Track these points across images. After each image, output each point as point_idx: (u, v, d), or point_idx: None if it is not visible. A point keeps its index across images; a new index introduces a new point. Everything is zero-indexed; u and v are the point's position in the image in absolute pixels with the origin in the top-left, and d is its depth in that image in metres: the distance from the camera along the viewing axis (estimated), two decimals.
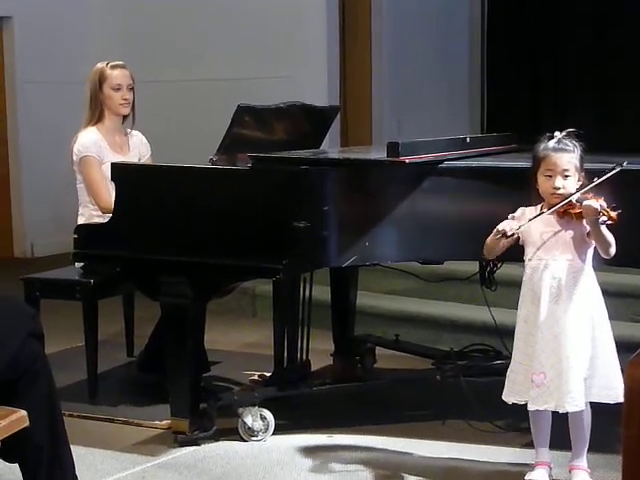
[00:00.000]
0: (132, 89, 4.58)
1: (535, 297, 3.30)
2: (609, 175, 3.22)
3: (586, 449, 3.36)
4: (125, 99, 4.55)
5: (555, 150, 3.27)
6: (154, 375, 4.41)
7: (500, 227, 3.27)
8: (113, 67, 4.57)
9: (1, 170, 8.09)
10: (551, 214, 3.27)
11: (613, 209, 3.13)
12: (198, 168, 3.82)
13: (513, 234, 3.27)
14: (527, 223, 3.28)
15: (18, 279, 4.54)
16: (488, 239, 3.34)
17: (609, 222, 3.14)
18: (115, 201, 3.90)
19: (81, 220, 4.51)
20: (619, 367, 3.25)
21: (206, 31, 7.91)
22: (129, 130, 4.68)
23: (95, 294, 4.39)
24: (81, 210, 4.56)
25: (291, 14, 7.57)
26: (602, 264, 3.34)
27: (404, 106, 8.03)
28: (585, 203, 3.16)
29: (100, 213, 4.41)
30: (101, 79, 4.53)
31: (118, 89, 4.54)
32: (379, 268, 4.18)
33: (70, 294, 4.43)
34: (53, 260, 5.58)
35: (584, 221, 3.24)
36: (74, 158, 4.51)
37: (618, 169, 3.23)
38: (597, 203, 3.14)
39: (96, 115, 4.54)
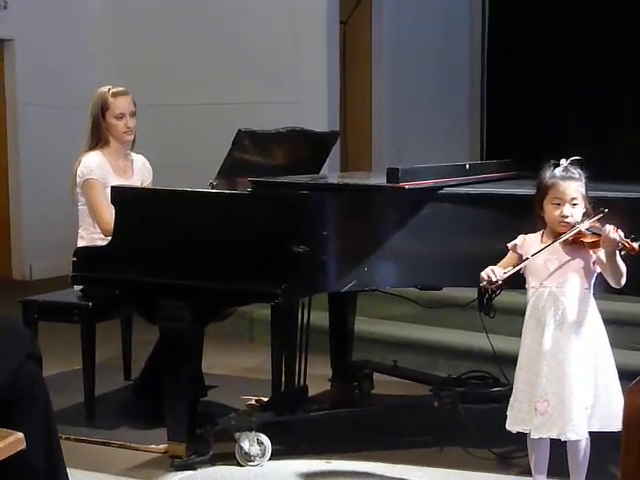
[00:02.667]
0: (134, 115, 4.59)
1: (539, 324, 3.29)
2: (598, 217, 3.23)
3: (584, 477, 3.35)
4: (128, 127, 4.55)
5: (563, 178, 3.28)
6: (149, 400, 4.40)
7: (484, 275, 3.27)
8: (115, 95, 4.56)
9: (0, 192, 8.10)
10: (561, 243, 3.26)
11: (633, 240, 3.13)
12: (198, 192, 3.83)
13: (497, 281, 3.27)
14: (511, 271, 3.27)
15: (16, 301, 4.53)
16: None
17: (632, 254, 3.14)
18: (115, 224, 3.91)
19: (81, 242, 4.51)
20: (622, 395, 3.24)
21: (207, 55, 7.94)
22: (131, 154, 4.69)
23: (93, 317, 4.39)
24: (81, 232, 4.56)
25: (292, 40, 7.61)
26: (602, 292, 3.34)
27: (404, 133, 8.06)
28: (606, 233, 3.16)
29: (99, 235, 4.41)
30: (104, 107, 4.53)
31: (121, 117, 4.54)
32: (378, 293, 4.18)
33: (68, 317, 4.42)
34: (51, 283, 5.59)
35: (591, 250, 3.25)
36: (77, 180, 4.51)
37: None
38: (617, 234, 3.14)
39: (98, 140, 4.55)
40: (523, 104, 8.32)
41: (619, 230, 3.16)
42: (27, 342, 2.99)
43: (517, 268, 3.29)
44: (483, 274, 3.27)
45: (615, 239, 3.14)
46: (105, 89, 4.59)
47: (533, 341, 3.31)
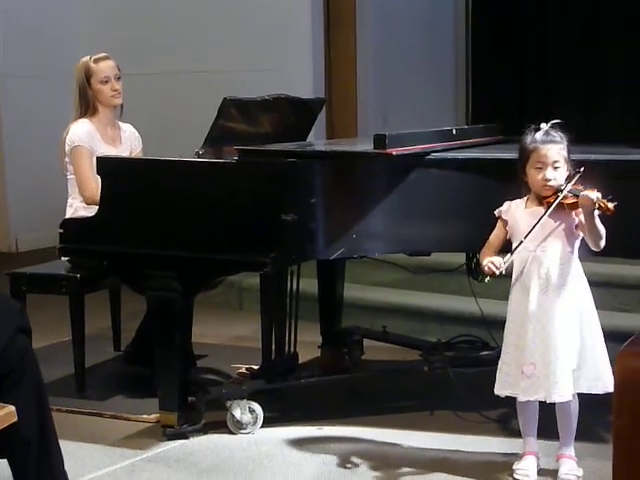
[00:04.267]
0: (119, 78, 4.58)
1: (524, 289, 3.30)
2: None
3: (573, 438, 3.38)
4: (115, 90, 4.55)
5: (544, 142, 3.28)
6: (141, 367, 4.42)
7: (486, 270, 3.26)
8: (97, 60, 4.56)
9: None
10: (548, 210, 3.26)
11: (609, 201, 3.14)
12: (184, 161, 3.82)
13: (501, 271, 3.27)
14: (511, 258, 3.27)
15: (3, 274, 4.52)
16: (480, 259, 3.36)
17: (607, 214, 3.15)
18: (101, 195, 3.90)
19: (69, 211, 4.50)
20: (607, 357, 3.26)
21: (192, 23, 7.88)
22: (120, 123, 4.68)
23: (82, 288, 4.38)
24: (70, 201, 4.55)
25: (276, 6, 7.55)
26: (588, 254, 3.35)
27: (389, 99, 8.02)
28: (582, 194, 3.17)
29: (88, 205, 4.40)
30: (88, 74, 4.53)
31: (106, 82, 4.53)
32: (366, 260, 4.18)
33: (56, 289, 4.42)
34: (38, 255, 5.57)
35: (574, 212, 3.26)
36: (66, 149, 4.50)
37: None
38: (594, 194, 3.15)
39: (87, 109, 4.54)
40: (509, 68, 8.29)
41: (596, 191, 3.17)
42: (16, 315, 2.98)
43: (514, 255, 3.28)
44: (485, 268, 3.27)
45: (592, 199, 3.14)
46: (87, 58, 4.59)
47: (519, 305, 3.33)
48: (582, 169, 3.23)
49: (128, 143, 4.68)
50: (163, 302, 3.75)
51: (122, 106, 4.65)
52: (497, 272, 3.25)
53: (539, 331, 3.26)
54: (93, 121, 4.55)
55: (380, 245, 3.77)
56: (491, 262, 3.28)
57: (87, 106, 4.54)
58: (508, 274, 3.33)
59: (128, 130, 4.71)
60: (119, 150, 4.59)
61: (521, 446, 3.45)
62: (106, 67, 4.55)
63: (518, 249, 3.28)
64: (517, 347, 3.31)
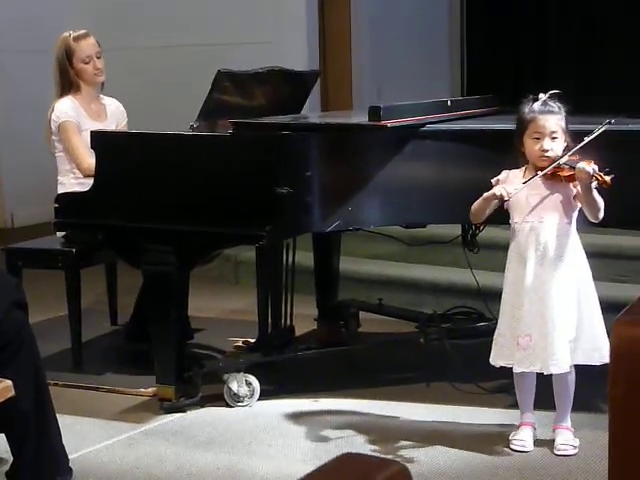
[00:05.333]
0: (100, 56, 4.53)
1: (521, 260, 3.30)
2: (596, 134, 3.22)
3: (570, 410, 3.39)
4: (98, 69, 4.51)
5: (542, 112, 3.27)
6: (142, 343, 4.41)
7: (497, 192, 3.25)
8: (77, 39, 4.48)
9: None
10: (542, 178, 3.26)
11: (607, 173, 3.13)
12: (179, 135, 3.80)
13: (510, 198, 3.26)
14: (522, 187, 3.26)
15: None
16: (475, 204, 3.34)
17: (604, 186, 3.14)
18: (96, 169, 3.89)
19: (61, 189, 4.47)
20: (604, 328, 3.27)
21: None
22: (103, 97, 4.65)
23: (77, 263, 4.38)
24: (61, 179, 4.53)
25: None
26: (586, 226, 3.35)
27: (384, 70, 7.99)
28: (578, 166, 3.16)
29: (80, 181, 4.39)
30: (69, 53, 4.47)
31: (88, 61, 4.49)
32: (362, 233, 4.18)
33: (52, 263, 4.42)
34: (34, 230, 5.56)
35: (571, 184, 3.25)
36: (52, 126, 4.48)
37: (604, 128, 3.23)
38: (590, 167, 3.13)
39: (70, 87, 4.50)
40: (504, 39, 8.25)
41: (593, 163, 3.15)
42: (12, 290, 2.99)
43: (527, 184, 3.25)
44: (496, 191, 3.25)
45: (589, 172, 3.13)
46: (66, 34, 4.52)
47: (516, 276, 3.33)
48: (584, 142, 3.21)
49: (114, 117, 4.65)
50: (159, 276, 3.75)
51: (103, 82, 4.61)
52: (506, 197, 3.23)
53: (536, 302, 3.26)
54: (77, 97, 4.51)
55: (375, 217, 3.77)
56: (503, 187, 3.25)
57: (70, 83, 4.50)
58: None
59: (113, 104, 4.68)
60: (105, 124, 4.56)
61: (517, 417, 3.47)
62: (87, 46, 4.49)
63: (519, 190, 3.26)
64: (513, 318, 3.31)
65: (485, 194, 3.30)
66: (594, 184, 3.15)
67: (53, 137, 4.50)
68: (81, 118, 4.47)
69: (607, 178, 3.12)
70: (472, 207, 3.36)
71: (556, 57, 7.93)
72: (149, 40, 7.83)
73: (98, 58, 4.52)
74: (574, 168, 3.19)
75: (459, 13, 8.54)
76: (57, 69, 4.53)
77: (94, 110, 4.58)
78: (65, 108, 4.45)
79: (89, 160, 4.22)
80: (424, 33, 8.35)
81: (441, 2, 8.56)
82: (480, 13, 8.35)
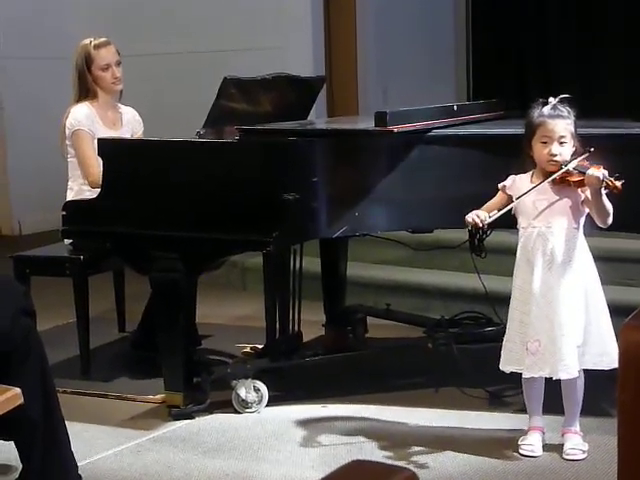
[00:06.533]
0: (120, 64, 4.56)
1: (529, 265, 3.30)
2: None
3: (578, 414, 3.39)
4: (116, 77, 4.53)
5: (551, 117, 3.26)
6: (149, 352, 4.41)
7: (469, 219, 3.25)
8: (98, 46, 4.52)
9: None
10: (550, 183, 3.25)
11: (617, 178, 3.12)
12: (185, 142, 3.81)
13: (484, 226, 3.25)
14: (497, 214, 3.25)
15: (7, 257, 4.52)
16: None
17: (614, 192, 3.13)
18: (103, 177, 3.89)
19: (70, 194, 4.49)
20: (613, 333, 3.26)
21: (192, 3, 7.85)
22: (120, 106, 4.67)
23: (85, 270, 4.39)
24: (70, 184, 4.55)
25: None
26: (593, 230, 3.34)
27: (390, 74, 8.00)
28: (589, 172, 3.15)
29: (88, 187, 4.40)
30: (88, 60, 4.50)
31: (107, 69, 4.51)
32: (369, 238, 4.18)
33: (60, 271, 4.43)
34: (41, 237, 5.58)
35: (580, 189, 3.24)
36: (66, 132, 4.49)
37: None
38: (600, 172, 3.12)
39: (87, 93, 4.52)
40: (509, 42, 8.26)
41: (603, 168, 3.15)
42: (20, 297, 2.99)
43: (502, 211, 3.27)
44: (468, 218, 3.26)
45: (598, 177, 3.13)
46: (87, 41, 4.55)
47: (524, 281, 3.32)
48: (592, 149, 3.21)
49: (129, 126, 4.67)
50: (166, 283, 3.75)
51: (121, 90, 4.63)
52: (480, 225, 3.23)
53: (544, 307, 3.26)
54: (93, 105, 4.53)
55: (382, 223, 3.77)
56: (476, 214, 3.25)
57: (87, 90, 4.53)
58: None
59: (129, 113, 4.70)
60: (120, 133, 4.58)
61: (526, 422, 3.46)
62: (107, 54, 4.52)
63: (510, 208, 3.26)
64: (521, 323, 3.31)
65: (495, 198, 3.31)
66: (604, 190, 3.14)
67: (67, 142, 4.52)
68: (95, 126, 4.48)
69: (618, 183, 3.11)
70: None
71: (559, 56, 7.92)
72: (153, 47, 7.85)
73: (117, 66, 4.54)
74: (583, 173, 3.18)
75: (464, 15, 8.54)
76: (75, 74, 4.55)
77: (110, 118, 4.59)
78: (80, 116, 4.46)
79: (97, 173, 4.22)
80: (429, 36, 8.36)
81: (446, 4, 8.57)
82: (485, 14, 8.35)
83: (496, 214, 3.26)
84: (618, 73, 7.55)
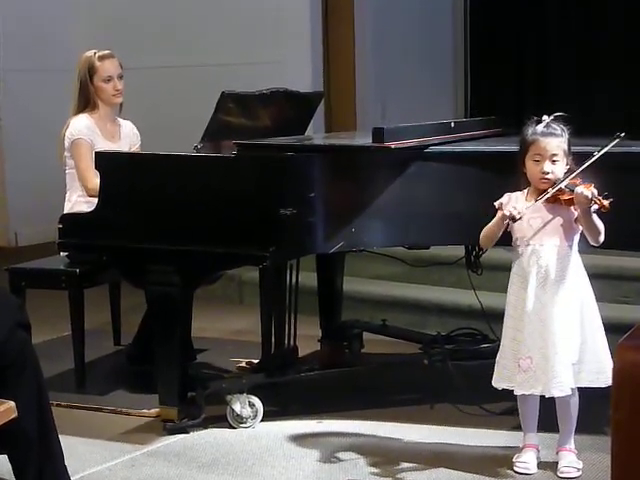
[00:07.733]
0: (122, 77, 4.58)
1: (523, 282, 3.30)
2: (597, 157, 3.23)
3: (573, 432, 3.38)
4: (117, 90, 4.55)
5: (544, 135, 3.27)
6: (144, 366, 4.41)
7: (507, 212, 3.24)
8: (101, 58, 4.55)
9: None
10: (544, 202, 3.25)
11: (605, 197, 3.12)
12: (182, 156, 3.82)
13: (521, 217, 3.25)
14: (532, 204, 3.25)
15: (2, 269, 4.52)
16: (486, 229, 3.33)
17: (602, 211, 3.14)
18: (100, 190, 3.90)
19: (67, 206, 4.50)
20: (608, 350, 3.26)
21: (190, 17, 7.87)
22: (119, 119, 4.68)
23: (81, 283, 4.38)
24: (68, 196, 4.56)
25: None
26: (588, 247, 3.35)
27: (388, 90, 8.01)
28: (577, 190, 3.16)
29: (87, 199, 4.41)
30: (91, 71, 4.52)
31: (109, 80, 4.53)
32: (365, 253, 4.18)
33: (56, 284, 4.42)
34: (37, 249, 5.58)
35: (572, 207, 3.25)
36: (66, 142, 4.50)
37: (604, 151, 3.24)
38: (589, 191, 3.13)
39: (86, 104, 4.54)
40: (508, 59, 8.28)
41: (592, 187, 3.15)
42: (15, 310, 2.99)
43: (530, 206, 3.24)
44: (506, 212, 3.23)
45: (587, 196, 3.13)
46: (91, 53, 4.58)
47: (518, 299, 3.32)
48: (584, 166, 3.21)
49: (127, 139, 4.68)
50: (162, 296, 3.75)
51: (121, 104, 4.65)
52: (517, 216, 3.21)
53: (537, 325, 3.26)
54: (93, 116, 4.55)
55: (379, 238, 3.77)
56: (513, 207, 3.23)
57: (87, 101, 4.55)
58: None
59: (127, 126, 4.72)
60: (118, 145, 4.60)
61: (521, 439, 3.46)
62: (110, 66, 4.55)
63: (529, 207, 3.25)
64: (514, 340, 3.31)
65: (495, 218, 3.30)
66: (593, 208, 3.15)
67: (65, 153, 4.53)
68: (95, 137, 4.50)
69: (606, 202, 3.12)
70: (483, 232, 3.36)
71: (559, 74, 7.94)
72: (152, 60, 7.86)
73: (119, 79, 4.56)
74: (572, 191, 3.19)
75: (462, 28, 8.57)
76: (77, 85, 4.57)
77: (109, 130, 4.61)
78: (80, 126, 4.48)
79: (95, 182, 4.23)
80: (427, 50, 8.38)
81: (445, 21, 8.59)
82: (484, 31, 8.38)
83: (531, 204, 3.23)
84: (619, 89, 7.57)
